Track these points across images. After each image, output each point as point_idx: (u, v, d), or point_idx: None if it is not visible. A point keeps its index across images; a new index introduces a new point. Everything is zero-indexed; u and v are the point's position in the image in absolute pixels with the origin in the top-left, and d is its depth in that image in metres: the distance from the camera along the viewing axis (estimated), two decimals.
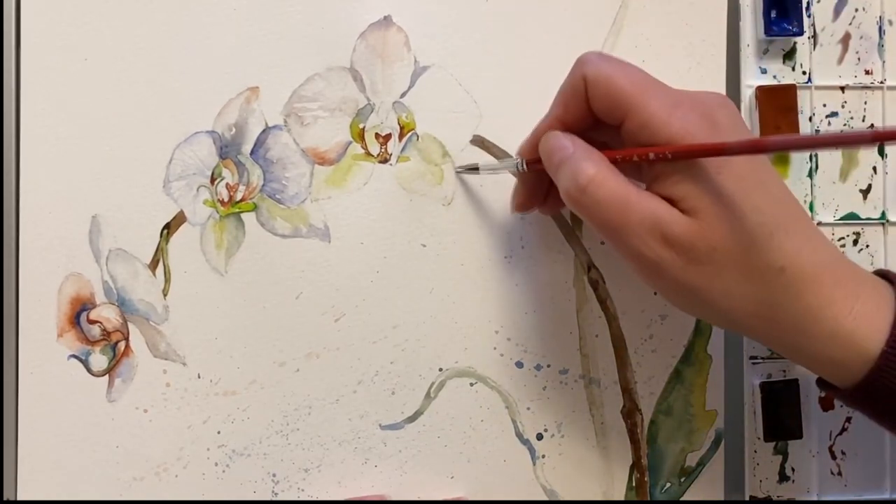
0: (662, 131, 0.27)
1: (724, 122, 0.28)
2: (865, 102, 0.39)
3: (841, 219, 0.39)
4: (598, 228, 0.29)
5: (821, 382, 0.31)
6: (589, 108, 0.30)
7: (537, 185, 0.34)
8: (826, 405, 0.39)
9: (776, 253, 0.27)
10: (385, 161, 0.38)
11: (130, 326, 0.37)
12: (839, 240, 0.39)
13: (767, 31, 0.38)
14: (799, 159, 0.39)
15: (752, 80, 0.39)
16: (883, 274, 0.30)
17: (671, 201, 0.28)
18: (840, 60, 0.40)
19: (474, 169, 0.37)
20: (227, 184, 0.37)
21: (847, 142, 0.27)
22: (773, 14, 0.38)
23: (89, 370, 0.37)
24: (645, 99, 0.28)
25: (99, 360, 0.37)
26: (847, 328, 0.28)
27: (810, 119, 0.39)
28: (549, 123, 0.31)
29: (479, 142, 0.38)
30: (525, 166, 0.33)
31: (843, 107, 0.39)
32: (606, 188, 0.28)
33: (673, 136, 0.27)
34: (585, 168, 0.28)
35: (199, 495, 0.37)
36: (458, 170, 0.38)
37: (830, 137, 0.26)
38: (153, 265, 0.37)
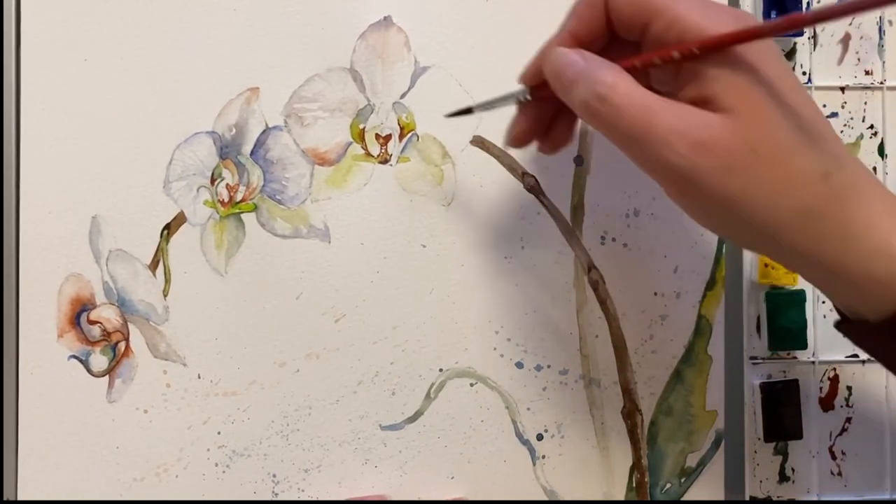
0: (693, 29, 0.25)
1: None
2: (865, 103, 0.39)
3: None
4: (619, 142, 0.26)
5: (840, 325, 0.29)
6: (605, 20, 0.28)
7: (540, 115, 0.32)
8: (826, 405, 0.39)
9: (819, 157, 0.25)
10: (385, 161, 0.38)
11: (130, 327, 0.37)
12: None
13: None
14: None
15: None
16: None
17: (703, 103, 0.25)
18: (840, 61, 0.40)
19: (467, 111, 0.34)
20: (227, 184, 0.37)
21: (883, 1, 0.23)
22: (773, 14, 0.38)
23: (89, 370, 0.37)
24: (672, 0, 0.26)
25: (99, 361, 0.37)
26: (894, 245, 0.25)
27: None
28: (558, 40, 0.28)
29: (479, 142, 0.38)
30: (529, 95, 0.30)
31: (843, 107, 0.39)
32: (628, 94, 0.25)
33: (705, 33, 0.25)
34: (603, 76, 0.26)
35: (199, 496, 0.37)
36: (449, 114, 0.35)
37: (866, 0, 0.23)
38: (153, 265, 0.37)
